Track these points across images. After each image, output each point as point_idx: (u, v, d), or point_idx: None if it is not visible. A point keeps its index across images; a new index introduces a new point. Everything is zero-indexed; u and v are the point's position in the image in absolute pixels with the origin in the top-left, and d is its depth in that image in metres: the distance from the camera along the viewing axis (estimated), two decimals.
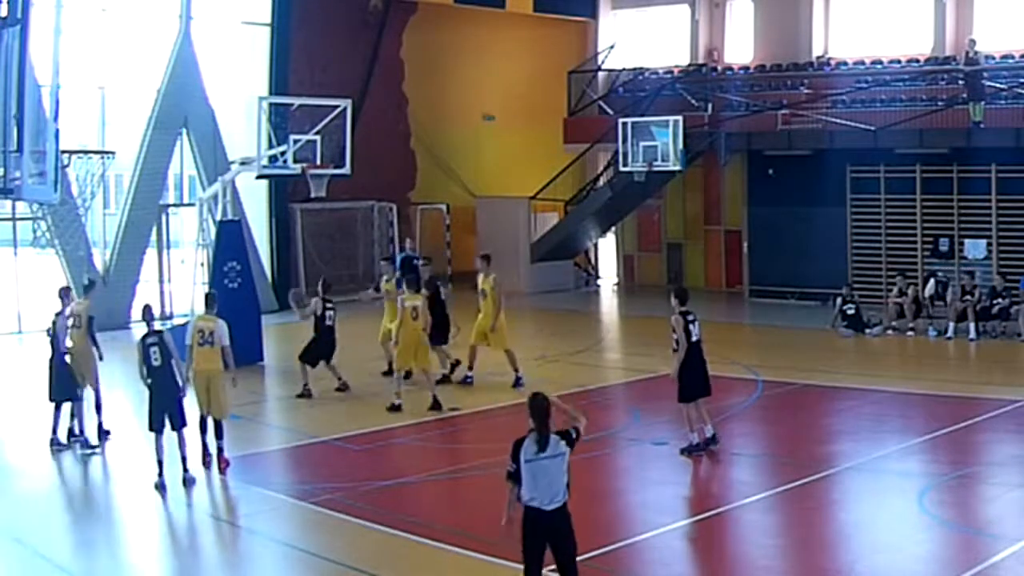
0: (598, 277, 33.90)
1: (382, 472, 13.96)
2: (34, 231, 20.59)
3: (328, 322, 17.90)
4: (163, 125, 25.79)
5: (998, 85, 24.93)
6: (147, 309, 13.86)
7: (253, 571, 11.05)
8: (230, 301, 18.14)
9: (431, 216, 31.38)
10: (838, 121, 26.44)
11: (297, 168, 20.43)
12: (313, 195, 20.92)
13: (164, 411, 13.03)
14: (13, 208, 22.63)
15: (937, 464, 13.81)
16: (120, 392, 17.31)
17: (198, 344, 13.69)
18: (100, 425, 15.02)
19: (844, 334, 23.35)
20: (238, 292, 20.07)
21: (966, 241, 25.25)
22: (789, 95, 28.25)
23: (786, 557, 10.95)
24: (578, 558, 8.50)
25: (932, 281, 23.75)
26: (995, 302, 22.65)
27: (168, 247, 26.27)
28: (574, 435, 8.43)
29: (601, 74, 32.99)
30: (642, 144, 26.75)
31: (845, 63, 28.73)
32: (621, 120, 27.49)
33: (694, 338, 13.92)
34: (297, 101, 22.30)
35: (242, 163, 21.08)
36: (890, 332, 23.28)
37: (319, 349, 17.92)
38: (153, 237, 25.89)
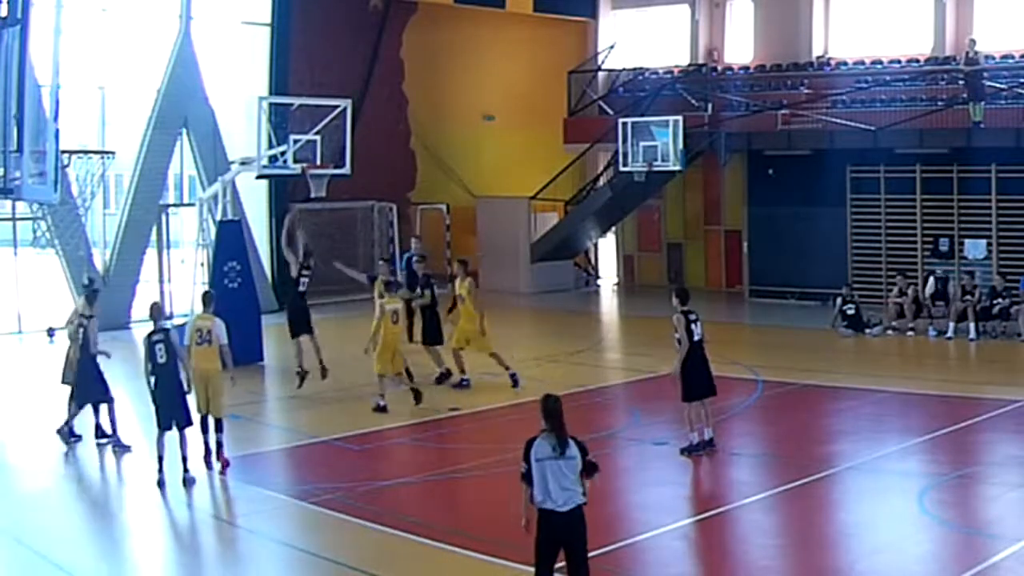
0: (598, 277, 33.89)
1: (382, 472, 13.96)
2: (34, 231, 20.63)
3: (301, 288, 17.89)
4: (163, 125, 25.79)
5: (998, 85, 24.92)
6: (156, 307, 13.87)
7: (253, 571, 11.04)
8: (230, 301, 18.16)
9: (431, 216, 31.36)
10: (838, 121, 26.43)
11: (297, 168, 20.42)
12: (313, 195, 20.90)
13: (171, 409, 13.07)
14: (13, 208, 22.63)
15: (937, 464, 13.81)
16: (120, 392, 17.24)
17: (196, 343, 13.72)
18: (98, 426, 14.98)
19: (844, 334, 23.35)
20: (238, 292, 20.08)
21: (966, 241, 25.24)
22: (789, 95, 28.25)
23: (786, 557, 10.95)
24: None
25: (932, 279, 23.76)
26: (995, 302, 22.65)
27: (168, 247, 26.27)
28: (593, 461, 8.37)
29: (601, 74, 32.99)
30: (642, 144, 26.74)
31: (845, 63, 28.73)
32: (621, 120, 27.48)
33: (696, 337, 13.92)
34: (297, 101, 22.30)
35: (242, 163, 21.08)
36: (890, 332, 23.28)
37: (295, 317, 17.87)
38: (153, 237, 25.89)
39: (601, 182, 30.51)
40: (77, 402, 14.83)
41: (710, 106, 29.00)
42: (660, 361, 17.70)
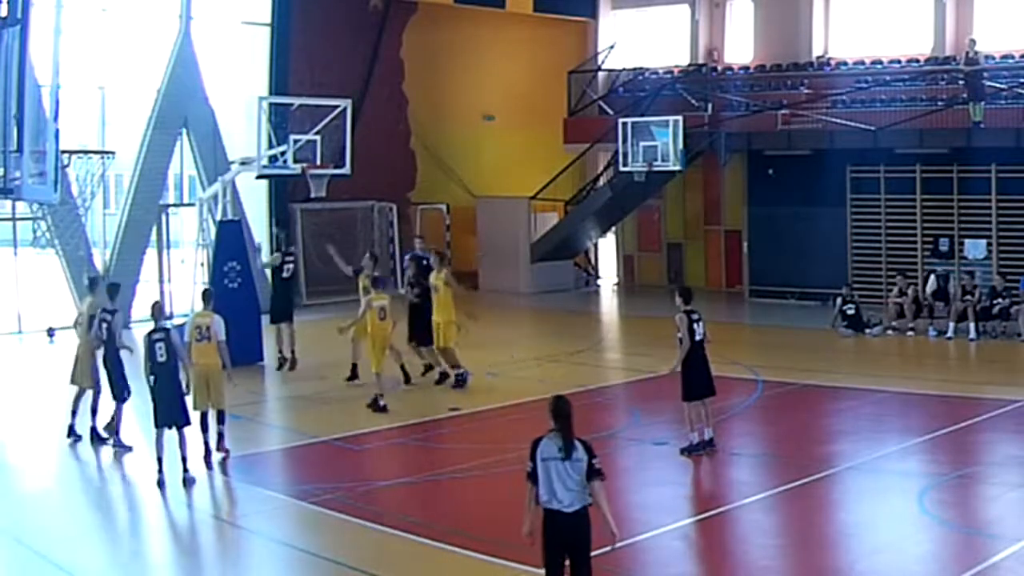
0: (598, 277, 33.89)
1: (382, 472, 13.97)
2: (34, 231, 20.63)
3: (285, 274, 17.87)
4: (163, 125, 25.78)
5: (998, 85, 24.92)
6: (157, 307, 13.87)
7: (253, 571, 11.05)
8: (230, 301, 18.13)
9: (431, 216, 31.36)
10: (838, 121, 26.43)
11: (297, 168, 20.42)
12: (313, 195, 20.91)
13: (169, 407, 13.07)
14: (13, 208, 22.62)
15: (937, 464, 13.81)
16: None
17: (195, 340, 13.81)
18: (93, 428, 14.91)
19: (844, 334, 23.35)
20: (238, 292, 20.04)
21: (966, 241, 25.24)
22: (789, 95, 28.24)
23: (786, 557, 10.95)
24: None
25: (933, 278, 23.76)
26: (995, 302, 22.65)
27: (168, 247, 26.25)
28: (598, 466, 8.30)
29: (601, 74, 32.99)
30: (642, 144, 26.74)
31: (845, 63, 28.73)
32: (621, 120, 27.47)
33: (698, 337, 13.92)
34: (297, 101, 22.30)
35: (242, 163, 21.08)
36: (890, 332, 23.28)
37: (276, 305, 17.82)
38: (153, 237, 25.89)
39: (601, 182, 30.51)
40: (117, 399, 14.73)
41: (710, 106, 29.00)
42: (660, 361, 17.66)
